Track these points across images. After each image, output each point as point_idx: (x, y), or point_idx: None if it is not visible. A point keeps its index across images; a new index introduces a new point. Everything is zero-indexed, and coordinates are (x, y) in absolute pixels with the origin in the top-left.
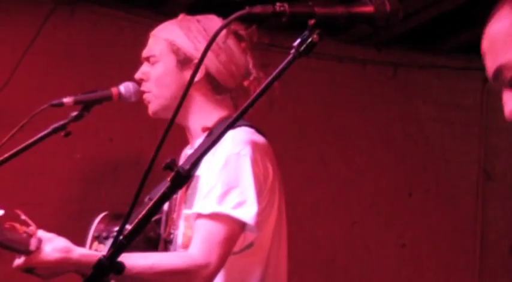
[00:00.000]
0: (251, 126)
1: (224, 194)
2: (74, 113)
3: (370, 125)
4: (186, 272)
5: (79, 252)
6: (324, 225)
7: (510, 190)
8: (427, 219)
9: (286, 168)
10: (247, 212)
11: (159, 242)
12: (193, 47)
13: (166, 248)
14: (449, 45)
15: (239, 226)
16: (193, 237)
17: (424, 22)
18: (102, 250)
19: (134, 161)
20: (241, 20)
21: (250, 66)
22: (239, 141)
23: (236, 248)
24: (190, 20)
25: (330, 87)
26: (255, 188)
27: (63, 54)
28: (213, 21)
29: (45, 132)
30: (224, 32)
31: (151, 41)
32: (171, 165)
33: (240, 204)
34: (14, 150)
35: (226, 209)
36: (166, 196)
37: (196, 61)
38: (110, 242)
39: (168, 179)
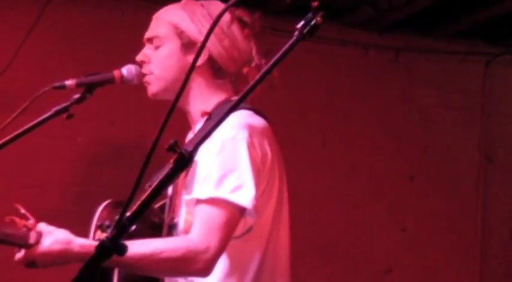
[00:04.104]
0: (249, 108)
1: (221, 179)
2: (76, 96)
3: (372, 109)
4: (186, 257)
5: (79, 242)
6: (325, 209)
7: (511, 175)
8: (428, 204)
9: (287, 152)
10: (245, 195)
11: (163, 228)
12: (197, 30)
13: (170, 233)
14: (452, 30)
15: (238, 210)
16: (193, 222)
17: (427, 7)
18: None
19: (136, 145)
20: (244, 3)
21: (253, 53)
22: (234, 125)
23: (237, 233)
24: (194, 4)
25: (332, 71)
26: (252, 171)
27: (64, 37)
28: (217, 6)
29: (47, 114)
30: (228, 17)
31: (154, 23)
32: (174, 147)
33: (237, 188)
34: (16, 132)
35: (224, 193)
36: (170, 178)
37: (199, 45)
38: None
39: (171, 160)
